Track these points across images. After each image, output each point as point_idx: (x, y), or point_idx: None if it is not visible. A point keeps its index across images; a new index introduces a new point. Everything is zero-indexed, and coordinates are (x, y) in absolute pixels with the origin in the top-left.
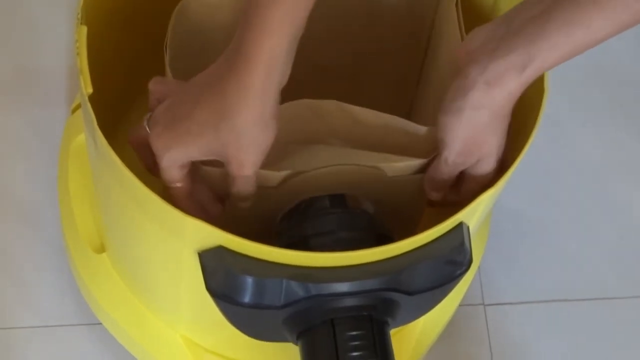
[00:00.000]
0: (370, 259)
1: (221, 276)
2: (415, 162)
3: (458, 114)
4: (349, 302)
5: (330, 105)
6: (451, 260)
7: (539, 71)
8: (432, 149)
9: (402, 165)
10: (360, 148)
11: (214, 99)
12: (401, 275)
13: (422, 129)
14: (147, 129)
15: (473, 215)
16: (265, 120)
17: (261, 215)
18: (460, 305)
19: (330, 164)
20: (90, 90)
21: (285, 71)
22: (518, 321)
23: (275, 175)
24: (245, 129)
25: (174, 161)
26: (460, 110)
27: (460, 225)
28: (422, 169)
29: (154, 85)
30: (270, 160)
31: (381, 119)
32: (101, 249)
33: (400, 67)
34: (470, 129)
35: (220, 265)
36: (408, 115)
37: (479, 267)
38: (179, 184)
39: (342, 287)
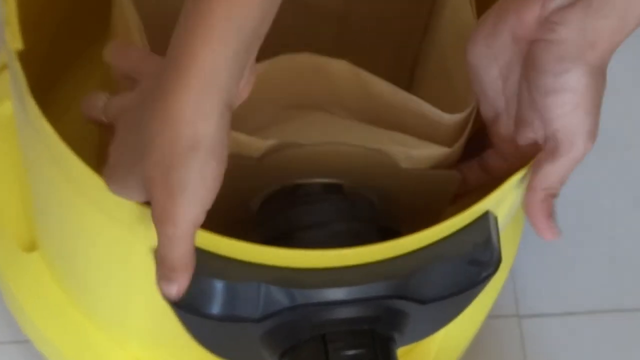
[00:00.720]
0: (372, 258)
1: None
2: (435, 151)
3: (576, 86)
4: (345, 312)
5: (340, 67)
6: (475, 260)
7: (636, 26)
8: (456, 137)
9: (421, 154)
10: (369, 123)
11: (142, 117)
12: (411, 279)
13: (445, 116)
14: (102, 116)
15: (502, 202)
16: (203, 155)
17: (237, 198)
18: (488, 317)
19: (330, 141)
20: (20, 46)
21: (236, 88)
22: (560, 336)
23: (259, 144)
24: (173, 164)
25: (116, 194)
26: (576, 80)
27: (486, 215)
28: (444, 162)
29: (116, 60)
30: (256, 125)
31: (399, 97)
32: (32, 246)
33: (402, 19)
34: (594, 100)
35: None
36: (411, 74)
37: (511, 270)
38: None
39: (337, 293)
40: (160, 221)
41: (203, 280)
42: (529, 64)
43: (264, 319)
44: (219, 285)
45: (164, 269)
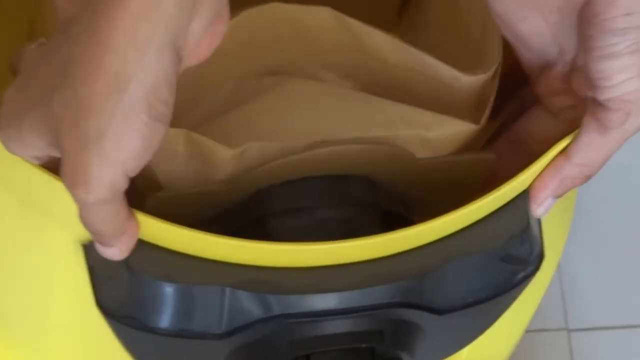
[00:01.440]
0: (373, 254)
1: (122, 283)
2: (458, 129)
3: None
4: (337, 326)
5: (323, 17)
6: (509, 256)
7: None
8: (478, 106)
9: (439, 136)
10: (366, 89)
11: (59, 44)
12: (424, 282)
13: (462, 79)
14: None
15: None
16: (130, 101)
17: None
18: (531, 330)
19: (321, 142)
20: None
21: (185, 23)
22: (616, 353)
23: (225, 156)
24: (90, 105)
25: (8, 148)
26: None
27: (523, 196)
28: (470, 143)
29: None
30: (216, 102)
31: (399, 53)
32: None
33: None
34: None
35: (120, 264)
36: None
37: (558, 272)
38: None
39: (325, 301)
40: (70, 182)
41: (148, 283)
42: (586, 19)
43: (229, 335)
44: (169, 290)
45: (92, 235)
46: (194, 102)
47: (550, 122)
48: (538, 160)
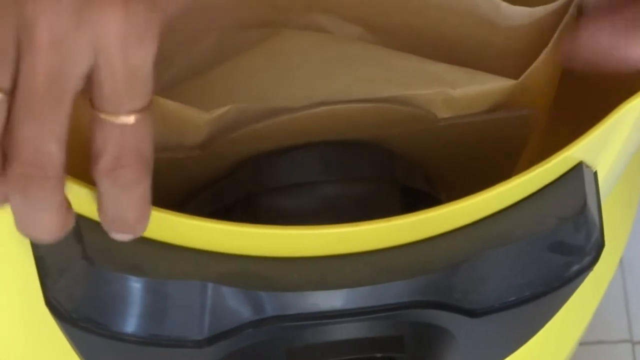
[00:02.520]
0: (391, 241)
1: (78, 278)
2: (490, 86)
3: None
4: (346, 332)
5: None
6: (559, 244)
7: None
8: (521, 55)
9: (467, 94)
10: (378, 38)
11: None
12: (455, 276)
13: (502, 11)
14: None
15: (607, 148)
16: None
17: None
18: (585, 343)
19: (317, 102)
20: None
21: None
22: None
23: (198, 121)
24: None
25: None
26: None
27: (578, 168)
28: (506, 102)
29: None
30: (193, 64)
31: None
32: None
33: None
34: None
35: (74, 254)
36: None
37: (620, 266)
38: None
39: (331, 300)
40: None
41: (111, 277)
42: None
43: (211, 342)
44: (136, 286)
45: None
46: (168, 59)
47: None
48: (597, 126)
